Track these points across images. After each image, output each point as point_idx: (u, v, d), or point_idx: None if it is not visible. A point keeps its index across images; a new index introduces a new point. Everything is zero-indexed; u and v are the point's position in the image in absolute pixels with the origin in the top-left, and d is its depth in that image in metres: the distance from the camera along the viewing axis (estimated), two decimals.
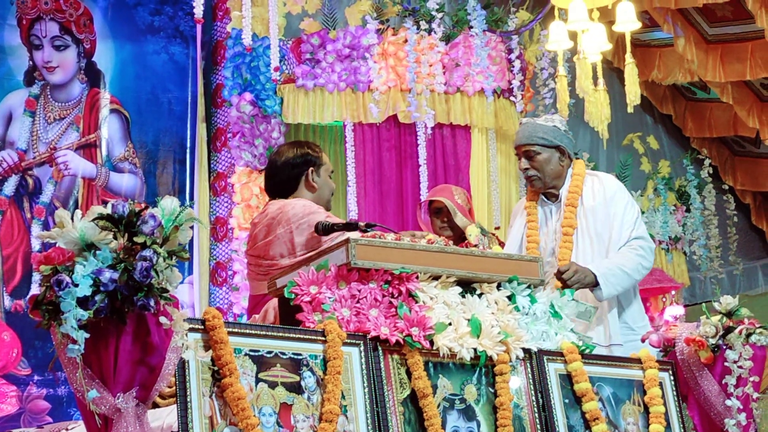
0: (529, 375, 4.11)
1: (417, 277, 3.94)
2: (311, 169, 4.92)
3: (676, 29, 8.94)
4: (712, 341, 4.55)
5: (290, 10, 7.95)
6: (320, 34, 7.99)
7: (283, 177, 4.96)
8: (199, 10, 6.42)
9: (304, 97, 7.91)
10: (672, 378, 4.56)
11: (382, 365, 3.77)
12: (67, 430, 4.82)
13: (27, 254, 7.08)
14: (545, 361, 4.16)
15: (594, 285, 5.03)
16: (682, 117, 10.50)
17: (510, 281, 4.17)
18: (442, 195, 6.21)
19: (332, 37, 7.99)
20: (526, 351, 4.12)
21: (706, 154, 10.39)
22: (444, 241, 4.19)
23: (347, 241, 3.84)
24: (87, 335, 3.00)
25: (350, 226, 4.57)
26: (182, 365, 3.30)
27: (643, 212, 9.63)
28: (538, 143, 5.37)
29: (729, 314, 4.63)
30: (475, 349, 3.94)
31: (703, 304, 4.87)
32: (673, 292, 9.59)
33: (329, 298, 3.77)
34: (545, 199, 5.47)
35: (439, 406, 3.82)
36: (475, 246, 4.27)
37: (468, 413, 3.91)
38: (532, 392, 4.10)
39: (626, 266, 5.16)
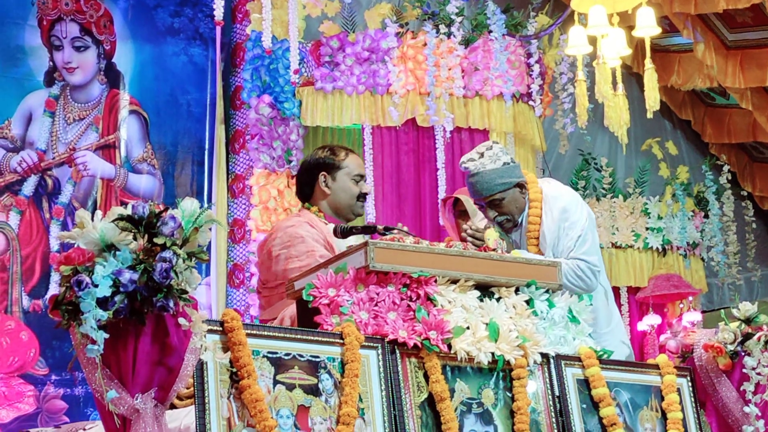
0: (547, 380, 4.11)
1: (435, 281, 3.94)
2: (323, 173, 4.90)
3: (695, 35, 8.92)
4: (731, 348, 4.54)
5: (310, 12, 7.95)
6: (339, 37, 7.99)
7: (299, 181, 5.02)
8: (219, 12, 6.44)
9: (323, 100, 7.91)
10: (690, 384, 4.55)
11: (399, 368, 3.77)
12: (84, 430, 4.83)
13: (45, 254, 7.11)
14: (563, 365, 4.16)
15: None
16: (701, 122, 10.46)
17: (528, 285, 4.16)
18: (467, 195, 6.19)
19: (351, 40, 7.99)
20: (544, 355, 4.11)
21: (725, 160, 10.35)
22: (463, 245, 4.18)
23: (366, 244, 3.84)
24: (106, 336, 3.01)
25: (368, 229, 4.57)
26: (200, 366, 3.31)
27: (660, 217, 9.60)
28: (498, 191, 5.16)
29: (748, 321, 4.62)
30: (492, 353, 3.94)
31: (722, 311, 4.86)
32: (690, 298, 9.56)
33: (347, 300, 3.77)
34: None
35: (456, 409, 3.81)
36: (494, 250, 4.24)
37: (485, 417, 3.90)
38: (550, 397, 4.09)
39: None
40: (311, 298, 3.76)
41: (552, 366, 4.13)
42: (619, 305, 9.35)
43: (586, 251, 5.12)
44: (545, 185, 5.36)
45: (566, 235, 5.15)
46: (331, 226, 4.82)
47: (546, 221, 5.19)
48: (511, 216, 5.21)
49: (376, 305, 3.81)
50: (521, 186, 5.22)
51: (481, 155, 5.17)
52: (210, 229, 3.26)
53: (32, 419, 6.83)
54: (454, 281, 4.00)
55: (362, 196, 4.97)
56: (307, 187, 4.96)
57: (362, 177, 4.99)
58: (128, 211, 3.14)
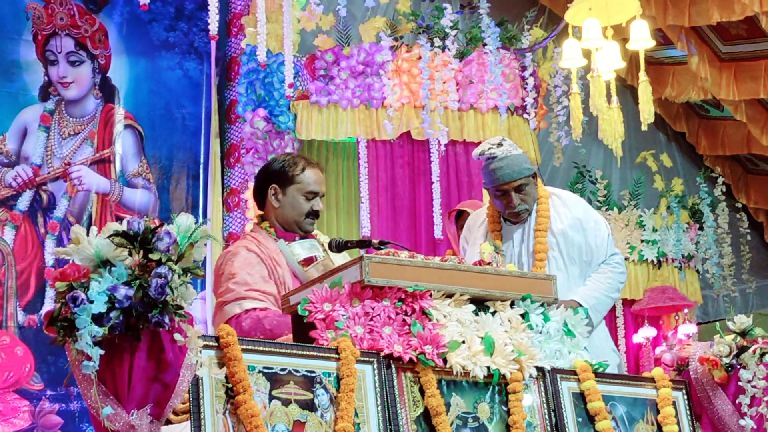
0: (543, 393, 4.10)
1: (430, 295, 3.93)
2: (273, 186, 4.71)
3: (689, 47, 8.94)
4: (726, 360, 4.54)
5: (304, 26, 7.97)
6: (334, 50, 8.01)
7: (254, 189, 4.85)
8: (213, 27, 6.45)
9: (318, 114, 7.93)
10: (685, 397, 4.55)
11: (395, 383, 3.76)
12: None
13: (41, 269, 7.10)
14: (558, 379, 4.15)
15: None
16: (696, 135, 10.49)
17: (523, 299, 4.16)
18: (471, 208, 6.21)
19: (346, 54, 8.01)
20: (540, 369, 4.11)
21: (720, 172, 10.38)
22: (458, 259, 4.18)
23: (361, 258, 3.84)
24: (102, 352, 3.01)
25: (363, 243, 4.57)
26: (196, 382, 3.30)
27: (655, 230, 9.62)
28: (526, 175, 5.30)
29: (743, 334, 4.61)
30: (488, 368, 3.93)
31: (717, 323, 4.86)
32: (685, 311, 9.58)
33: (343, 315, 3.77)
34: (504, 221, 5.44)
35: (452, 424, 3.81)
36: (489, 264, 4.25)
37: (481, 431, 3.90)
38: (546, 411, 4.09)
39: (611, 293, 5.31)
40: (306, 313, 3.76)
41: (548, 380, 4.13)
42: (615, 317, 9.37)
43: (614, 246, 5.46)
44: (550, 188, 5.55)
45: (596, 237, 5.36)
46: (282, 242, 4.69)
47: (565, 220, 5.36)
48: (529, 206, 5.34)
49: (371, 320, 3.81)
50: (535, 176, 5.39)
51: (500, 144, 5.32)
52: (205, 244, 3.26)
53: None
54: (449, 295, 4.00)
55: (313, 214, 4.74)
56: (259, 197, 4.80)
57: (316, 194, 4.73)
58: (123, 227, 3.14)
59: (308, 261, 4.64)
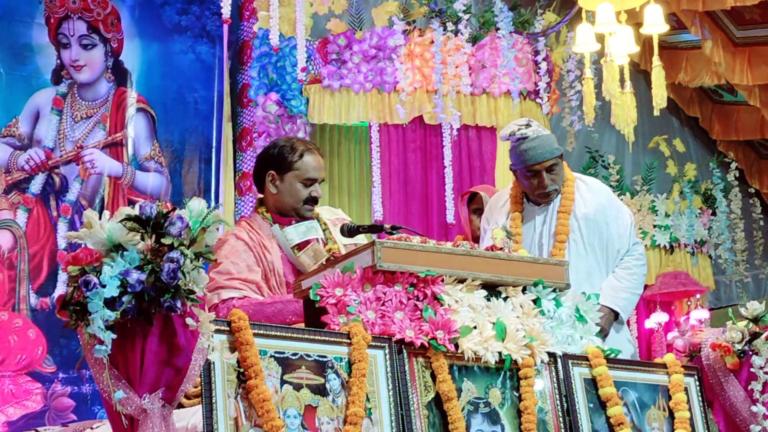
0: (554, 379, 4.11)
1: (442, 280, 3.93)
2: (271, 172, 4.65)
3: (703, 32, 8.91)
4: (738, 347, 4.53)
5: (317, 10, 7.95)
6: (347, 34, 7.99)
7: (253, 174, 4.80)
8: (226, 10, 6.45)
9: (330, 98, 7.92)
10: (697, 383, 4.55)
11: (406, 368, 3.77)
12: (91, 429, 4.83)
13: (53, 252, 7.12)
14: (570, 365, 4.16)
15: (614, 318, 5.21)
16: (709, 120, 10.45)
17: (535, 285, 4.16)
18: (484, 192, 6.21)
19: (359, 38, 7.99)
20: (551, 355, 4.11)
21: (733, 157, 10.34)
22: (470, 244, 4.18)
23: (373, 243, 3.84)
24: (114, 336, 3.02)
25: (375, 228, 4.56)
26: (208, 366, 3.31)
27: (668, 215, 9.60)
28: (557, 155, 5.31)
29: (755, 320, 4.61)
30: (499, 353, 3.94)
31: (730, 308, 4.86)
32: (698, 296, 9.55)
33: (354, 300, 3.77)
34: (527, 202, 5.44)
35: (463, 409, 3.81)
36: (501, 249, 4.24)
37: (492, 417, 3.91)
38: (557, 396, 4.09)
39: (638, 289, 5.38)
40: (318, 298, 3.77)
41: (559, 365, 4.13)
42: None
43: (635, 235, 5.49)
44: (576, 174, 5.56)
45: (619, 225, 5.38)
46: (277, 227, 4.63)
47: (589, 205, 5.36)
48: (559, 187, 5.36)
49: (383, 305, 3.81)
50: (562, 157, 5.39)
51: (528, 125, 5.33)
52: (217, 229, 3.26)
53: (40, 417, 6.84)
54: (461, 281, 4.00)
55: (311, 200, 4.67)
56: (258, 179, 4.74)
57: (315, 181, 4.65)
58: (136, 212, 3.15)
59: (304, 245, 4.61)
